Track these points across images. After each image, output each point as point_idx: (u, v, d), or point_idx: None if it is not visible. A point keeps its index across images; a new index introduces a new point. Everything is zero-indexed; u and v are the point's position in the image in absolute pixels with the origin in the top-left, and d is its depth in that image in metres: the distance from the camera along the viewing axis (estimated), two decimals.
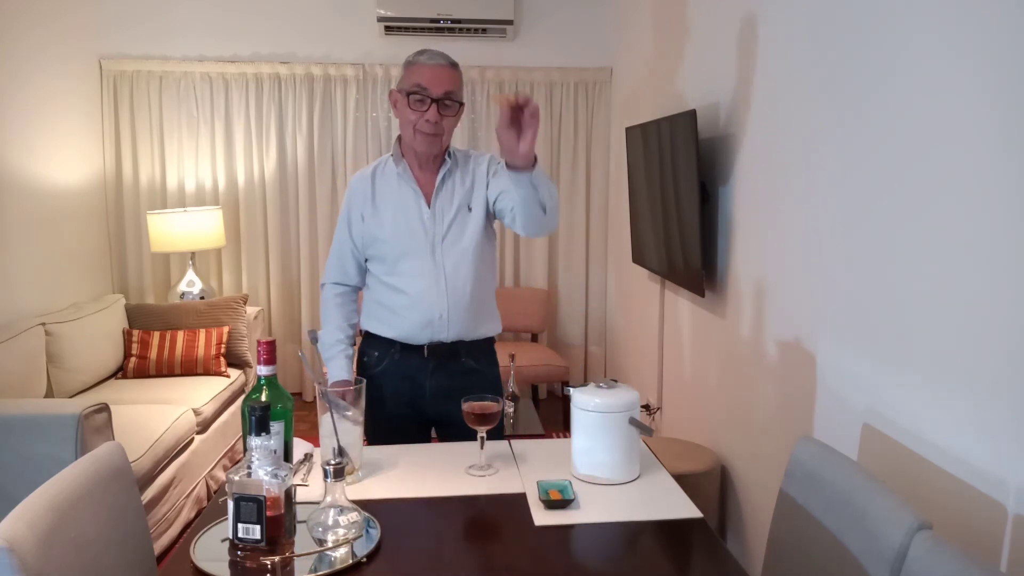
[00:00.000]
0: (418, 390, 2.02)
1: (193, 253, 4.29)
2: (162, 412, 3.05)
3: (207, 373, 3.71)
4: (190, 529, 1.46)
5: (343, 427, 1.58)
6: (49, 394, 3.22)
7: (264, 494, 1.28)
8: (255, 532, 1.28)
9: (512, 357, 3.99)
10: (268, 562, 1.28)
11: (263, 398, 1.49)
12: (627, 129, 3.79)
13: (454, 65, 1.93)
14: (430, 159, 1.98)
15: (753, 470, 2.55)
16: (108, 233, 4.47)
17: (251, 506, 1.27)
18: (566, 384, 3.99)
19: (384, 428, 2.01)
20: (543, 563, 1.33)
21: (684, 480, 1.77)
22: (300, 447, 1.73)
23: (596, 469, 1.64)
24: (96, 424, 2.43)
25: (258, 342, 1.52)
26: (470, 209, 1.99)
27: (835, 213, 2.00)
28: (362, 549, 1.34)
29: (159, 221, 4.07)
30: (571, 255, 4.85)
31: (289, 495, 1.32)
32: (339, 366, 1.97)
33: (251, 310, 4.12)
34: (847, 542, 1.29)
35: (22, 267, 3.46)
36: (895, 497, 1.25)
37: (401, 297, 1.98)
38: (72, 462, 1.37)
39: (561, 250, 4.87)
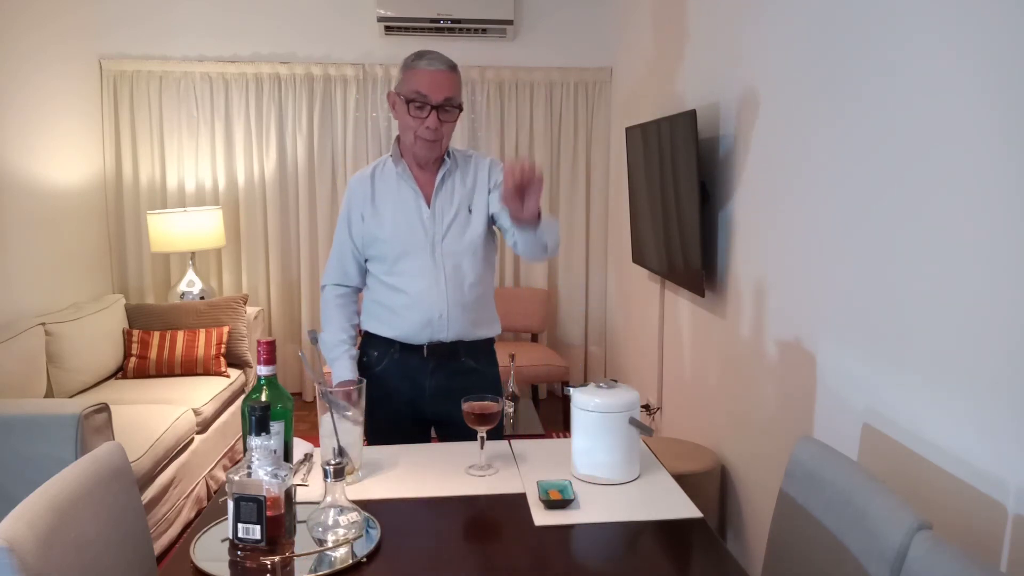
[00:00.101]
0: (418, 390, 2.02)
1: (193, 253, 4.29)
2: (162, 412, 3.05)
3: (207, 373, 3.71)
4: (190, 529, 1.46)
5: (343, 427, 1.58)
6: (49, 394, 3.22)
7: (264, 494, 1.28)
8: (255, 532, 1.28)
9: (512, 357, 3.99)
10: (268, 562, 1.28)
11: (263, 398, 1.49)
12: (627, 129, 3.79)
13: (453, 68, 1.92)
14: (430, 161, 1.99)
15: (753, 470, 2.55)
16: (108, 233, 4.47)
17: (251, 506, 1.27)
18: (566, 384, 3.99)
19: (384, 428, 2.01)
20: (543, 563, 1.33)
21: (684, 480, 1.77)
22: (300, 447, 1.73)
23: (596, 469, 1.64)
24: (96, 424, 2.43)
25: (258, 342, 1.52)
26: (470, 211, 2.00)
27: (835, 213, 2.00)
28: (362, 549, 1.34)
29: (159, 221, 4.07)
30: (571, 255, 4.85)
31: (289, 495, 1.32)
32: (344, 366, 1.97)
33: (251, 310, 4.12)
34: (847, 542, 1.29)
35: (22, 267, 3.46)
36: (895, 497, 1.25)
37: (401, 297, 1.98)
38: (72, 462, 1.37)
39: (561, 250, 4.86)
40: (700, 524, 1.47)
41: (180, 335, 3.75)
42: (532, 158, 4.70)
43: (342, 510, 1.37)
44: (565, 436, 2.22)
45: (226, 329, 3.82)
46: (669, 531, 1.45)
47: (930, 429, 1.61)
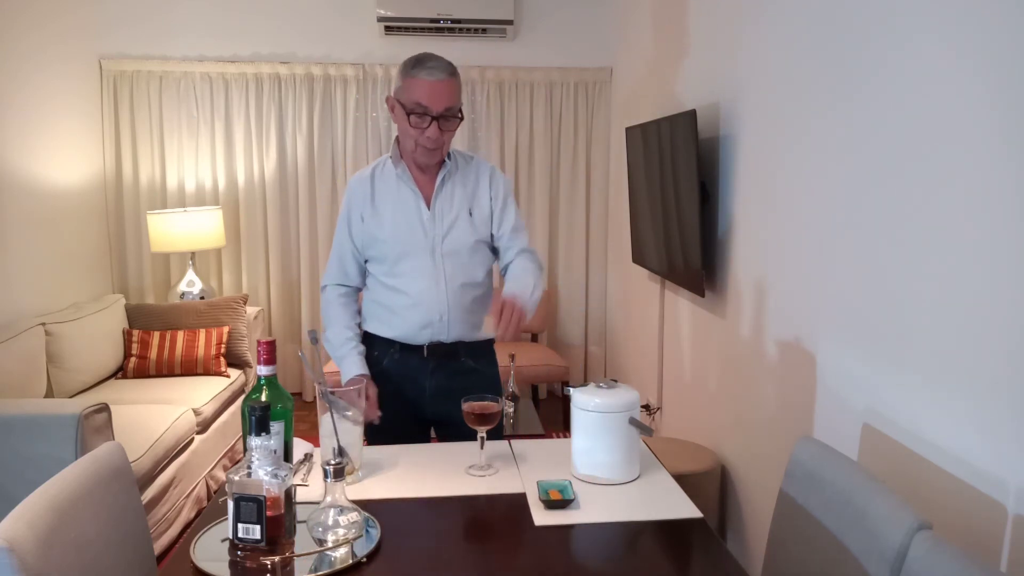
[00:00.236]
0: (418, 390, 2.02)
1: (193, 253, 4.29)
2: (162, 412, 3.05)
3: (207, 373, 3.71)
4: (190, 529, 1.46)
5: (343, 427, 1.58)
6: (49, 394, 3.22)
7: (264, 494, 1.28)
8: (255, 532, 1.28)
9: (512, 357, 3.99)
10: (268, 562, 1.28)
11: (263, 398, 1.49)
12: (627, 129, 3.79)
13: (453, 74, 1.89)
14: (431, 165, 1.99)
15: (753, 470, 2.55)
16: (108, 233, 4.47)
17: (251, 506, 1.27)
18: (566, 384, 3.99)
19: (384, 428, 2.00)
20: (543, 563, 1.33)
21: (684, 480, 1.77)
22: (300, 447, 1.73)
23: (596, 469, 1.64)
24: (96, 424, 2.43)
25: (258, 342, 1.52)
26: (471, 213, 2.00)
27: (835, 213, 2.00)
28: (362, 549, 1.34)
29: (159, 221, 4.07)
30: (571, 255, 4.85)
31: (289, 495, 1.32)
32: (353, 363, 1.96)
33: (251, 310, 4.12)
34: (847, 542, 1.29)
35: (22, 267, 3.46)
36: (895, 497, 1.25)
37: (401, 297, 1.98)
38: (72, 462, 1.37)
39: (561, 250, 4.87)
40: (700, 524, 1.47)
41: (180, 335, 3.75)
42: (532, 161, 4.72)
43: (342, 510, 1.37)
44: (565, 436, 2.22)
45: (226, 329, 3.82)
46: (669, 531, 1.45)
47: (930, 429, 1.61)
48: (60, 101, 3.90)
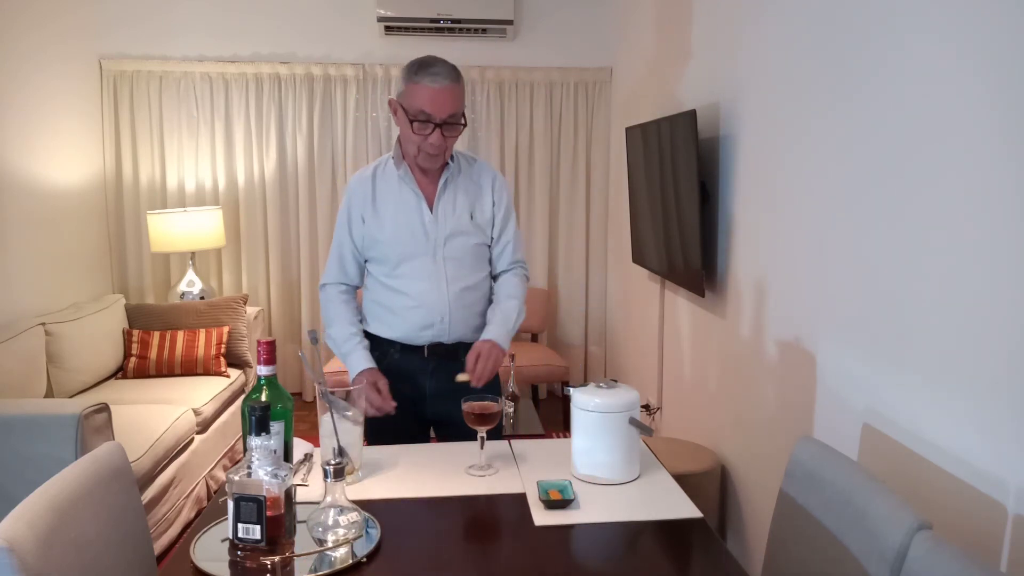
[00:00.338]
0: (418, 390, 2.02)
1: (193, 253, 4.29)
2: (162, 412, 3.05)
3: (207, 373, 3.71)
4: (190, 529, 1.46)
5: (343, 427, 1.58)
6: (49, 394, 3.22)
7: (264, 494, 1.28)
8: (255, 532, 1.28)
9: (512, 357, 3.99)
10: (268, 562, 1.28)
11: (263, 398, 1.49)
12: (627, 129, 3.79)
13: (457, 80, 1.87)
14: (433, 169, 1.98)
15: (753, 470, 2.55)
16: (108, 233, 4.47)
17: (251, 506, 1.27)
18: (566, 384, 3.99)
19: (384, 428, 2.00)
20: (543, 563, 1.33)
21: (684, 480, 1.77)
22: (300, 447, 1.73)
23: (596, 469, 1.64)
24: (96, 424, 2.43)
25: (258, 342, 1.52)
26: (472, 217, 2.00)
27: (835, 213, 2.00)
28: (362, 549, 1.34)
29: (159, 221, 4.07)
30: (571, 255, 4.86)
31: (289, 495, 1.32)
32: (360, 357, 1.96)
33: (251, 310, 4.12)
34: (847, 542, 1.29)
35: (22, 267, 3.46)
36: (895, 497, 1.25)
37: (402, 299, 1.98)
38: (72, 462, 1.37)
39: (561, 250, 4.87)
40: (700, 524, 1.47)
41: (180, 335, 3.75)
42: (532, 161, 4.71)
43: (342, 510, 1.37)
44: (565, 436, 2.22)
45: (226, 329, 3.82)
46: (669, 531, 1.45)
47: (930, 429, 1.61)
48: (60, 101, 3.90)
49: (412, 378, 2.01)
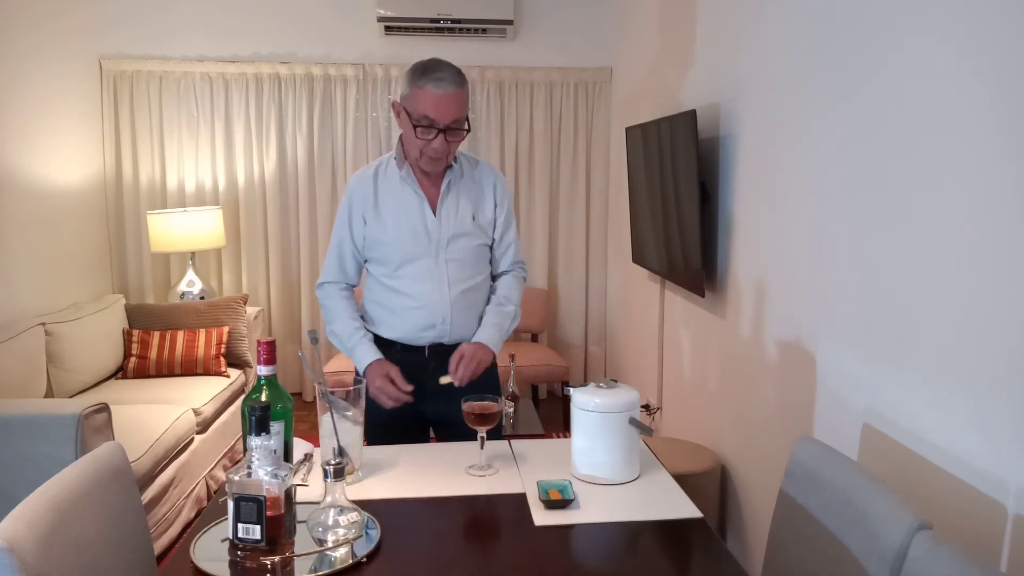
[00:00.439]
0: (418, 390, 2.01)
1: (193, 253, 4.29)
2: (162, 412, 3.05)
3: (207, 373, 3.71)
4: (190, 529, 1.46)
5: (343, 427, 1.58)
6: (49, 394, 3.22)
7: (264, 494, 1.28)
8: (255, 532, 1.28)
9: (512, 357, 3.99)
10: (268, 562, 1.28)
11: (263, 398, 1.49)
12: (627, 129, 3.79)
13: (461, 84, 1.86)
14: (436, 171, 1.98)
15: (753, 470, 2.55)
16: (108, 233, 4.47)
17: (251, 506, 1.27)
18: (566, 384, 3.99)
19: (384, 428, 2.00)
20: (543, 563, 1.33)
21: (684, 480, 1.77)
22: (300, 447, 1.73)
23: (596, 469, 1.64)
24: (96, 424, 2.43)
25: (258, 342, 1.52)
26: (474, 219, 2.00)
27: (835, 213, 2.00)
28: (362, 549, 1.34)
29: (159, 221, 4.07)
30: (571, 255, 4.86)
31: (289, 495, 1.32)
32: (367, 350, 1.96)
33: (251, 310, 4.12)
34: (847, 542, 1.29)
35: (22, 267, 3.46)
36: (895, 497, 1.25)
37: (403, 300, 1.98)
38: (72, 462, 1.37)
39: (561, 250, 4.87)
40: (700, 524, 1.47)
41: (180, 335, 3.75)
42: (532, 161, 4.72)
43: (342, 510, 1.37)
44: (565, 436, 2.22)
45: (226, 329, 3.82)
46: (669, 531, 1.45)
47: (930, 429, 1.61)
48: (60, 101, 3.89)
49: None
